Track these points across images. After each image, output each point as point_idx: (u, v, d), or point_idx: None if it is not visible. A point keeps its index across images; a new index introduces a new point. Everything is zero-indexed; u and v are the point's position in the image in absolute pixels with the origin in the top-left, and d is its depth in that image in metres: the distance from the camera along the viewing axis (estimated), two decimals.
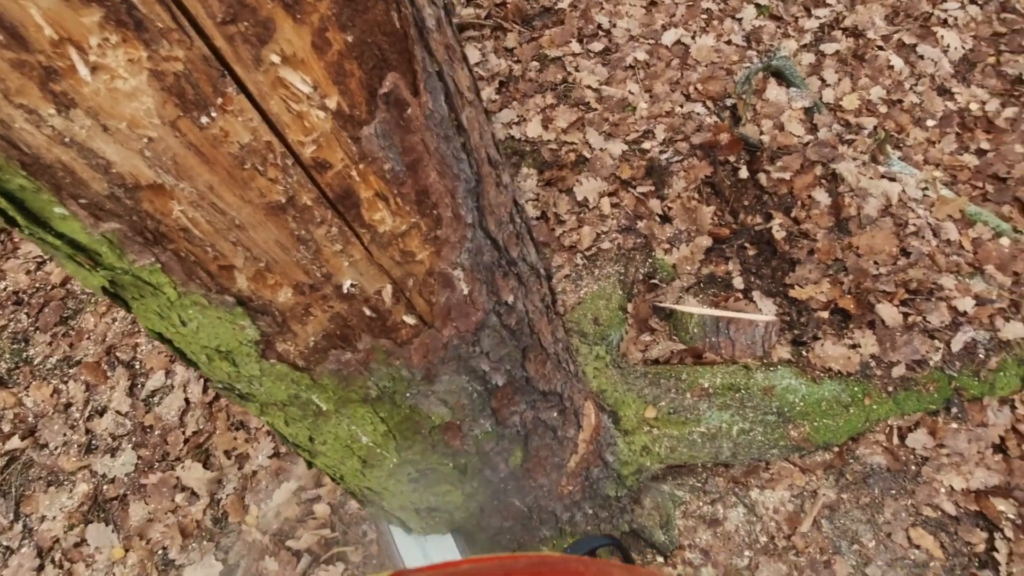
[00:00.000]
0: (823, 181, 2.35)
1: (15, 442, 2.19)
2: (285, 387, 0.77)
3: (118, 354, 2.32)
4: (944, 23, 2.93)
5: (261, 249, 0.61)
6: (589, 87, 2.79)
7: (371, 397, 0.83)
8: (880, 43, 2.88)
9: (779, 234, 2.28)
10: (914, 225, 2.21)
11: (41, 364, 2.36)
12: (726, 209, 2.43)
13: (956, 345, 2.01)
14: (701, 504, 1.98)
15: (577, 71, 2.85)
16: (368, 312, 0.73)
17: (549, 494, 1.41)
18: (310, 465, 1.03)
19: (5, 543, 2.04)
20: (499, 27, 3.07)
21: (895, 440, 2.02)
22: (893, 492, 1.96)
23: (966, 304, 2.05)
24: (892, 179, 2.33)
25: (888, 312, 2.06)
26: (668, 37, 2.91)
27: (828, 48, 2.88)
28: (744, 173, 2.44)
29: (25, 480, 2.14)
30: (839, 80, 2.79)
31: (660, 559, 1.90)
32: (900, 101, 2.73)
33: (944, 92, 2.76)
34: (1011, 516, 1.87)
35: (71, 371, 2.31)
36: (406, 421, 0.89)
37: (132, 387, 2.25)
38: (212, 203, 0.55)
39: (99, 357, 2.32)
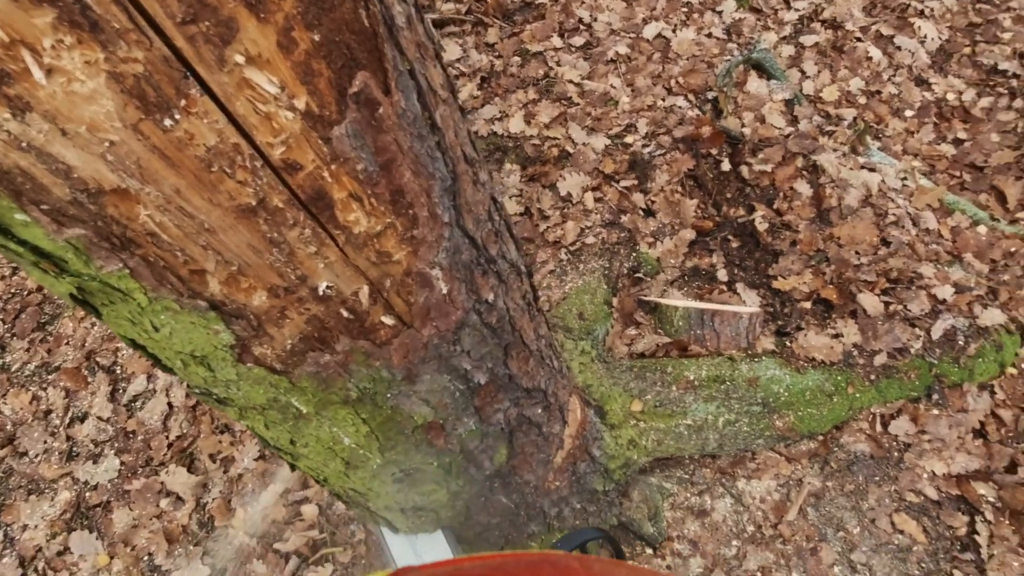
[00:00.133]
0: (804, 173, 2.37)
1: None
2: (263, 391, 0.76)
3: (98, 359, 2.29)
4: (921, 14, 2.96)
5: (233, 252, 0.60)
6: (571, 82, 2.78)
7: (352, 399, 0.82)
8: (858, 34, 2.91)
9: (762, 226, 2.30)
10: (894, 215, 2.24)
11: (19, 371, 2.32)
12: (709, 202, 2.44)
13: (936, 333, 2.04)
14: (689, 495, 2.00)
15: (559, 66, 2.84)
16: (345, 314, 0.72)
17: (536, 490, 1.41)
18: (293, 468, 1.02)
19: None
20: (480, 22, 3.06)
21: (878, 427, 2.04)
22: (877, 479, 1.99)
23: (945, 292, 2.08)
24: (872, 170, 2.35)
25: (869, 301, 2.08)
26: (649, 31, 2.91)
27: (808, 40, 2.90)
28: (726, 166, 2.46)
29: (5, 489, 2.10)
30: (819, 72, 2.81)
31: (649, 551, 1.91)
32: (879, 92, 2.76)
33: (922, 82, 2.79)
34: (991, 499, 1.90)
35: (50, 377, 2.27)
36: (388, 422, 0.89)
37: (113, 392, 2.22)
38: (180, 207, 0.54)
39: (79, 362, 2.28)
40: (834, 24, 2.96)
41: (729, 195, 2.43)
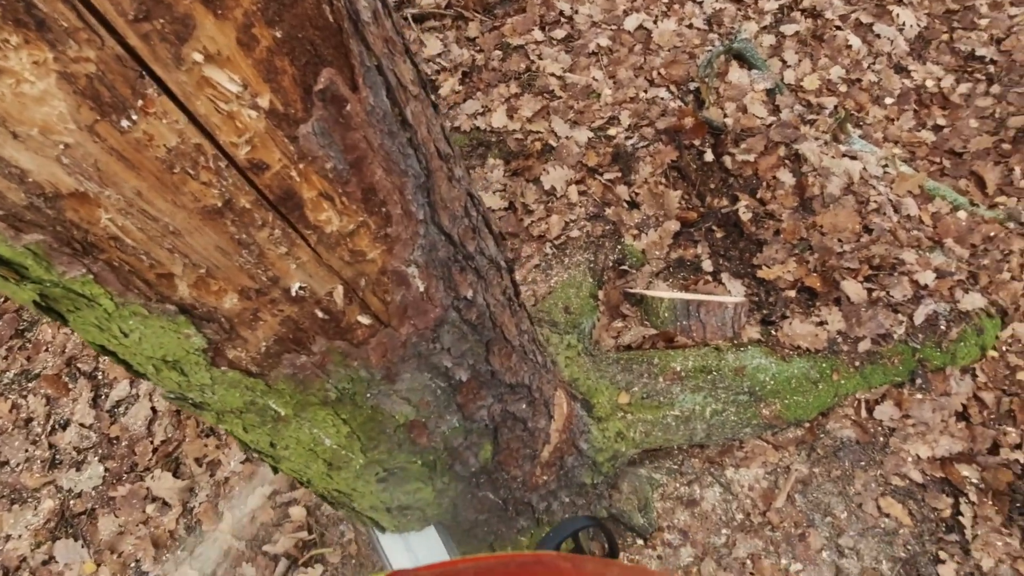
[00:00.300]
0: (787, 162, 2.38)
1: None
2: (239, 394, 0.75)
3: (79, 365, 2.26)
4: (899, 2, 2.97)
5: (200, 255, 0.59)
6: (553, 75, 2.77)
7: (331, 399, 0.81)
8: (838, 23, 2.92)
9: (745, 216, 2.30)
10: (875, 202, 2.25)
11: None
12: (693, 193, 2.44)
13: (919, 318, 2.06)
14: (678, 486, 2.01)
15: (540, 59, 2.83)
16: (321, 314, 0.71)
17: (524, 485, 1.41)
18: (275, 470, 1.01)
19: None
20: (460, 16, 3.03)
21: (863, 413, 2.06)
22: (863, 464, 2.01)
23: (927, 277, 2.10)
24: (853, 157, 2.37)
25: (853, 288, 2.10)
26: (630, 22, 2.91)
27: (788, 29, 2.90)
28: (709, 156, 2.46)
29: None
30: (799, 61, 2.81)
31: (640, 542, 1.92)
32: (859, 80, 2.77)
33: (901, 70, 2.81)
34: (975, 481, 1.93)
35: (30, 385, 2.24)
36: (369, 421, 0.88)
37: (95, 398, 2.19)
38: (142, 210, 0.53)
39: (59, 369, 2.25)
40: (814, 13, 2.96)
41: (712, 185, 2.44)
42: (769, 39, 2.89)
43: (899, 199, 2.29)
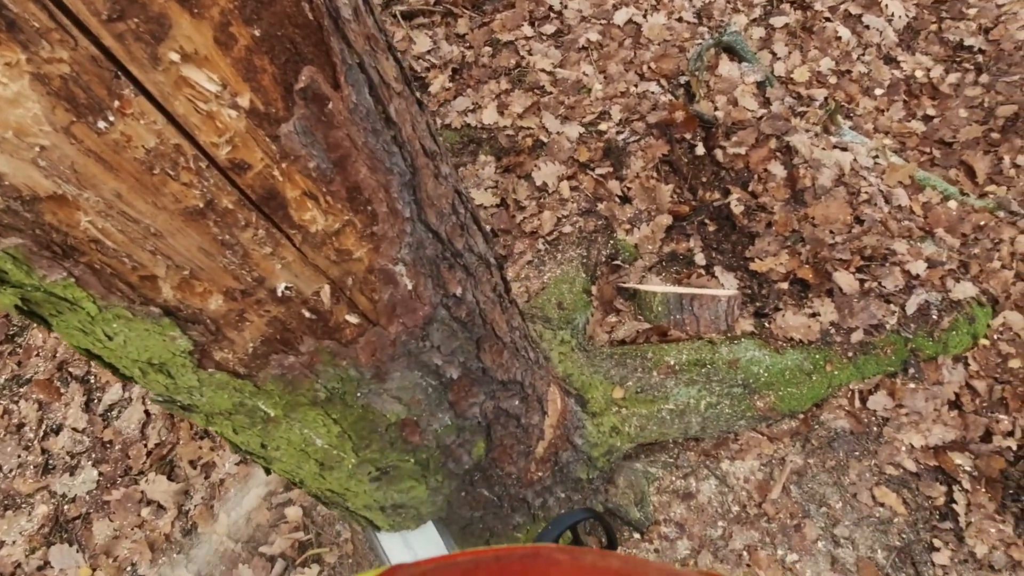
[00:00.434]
0: (778, 154, 2.38)
1: None
2: (228, 396, 0.75)
3: (71, 369, 2.24)
4: None
5: (183, 257, 0.58)
6: (543, 70, 2.76)
7: (321, 399, 0.81)
8: (827, 14, 2.92)
9: (737, 208, 2.31)
10: (866, 193, 2.26)
11: None
12: (685, 186, 2.44)
13: (910, 308, 2.07)
14: (674, 479, 2.01)
15: (530, 55, 2.82)
16: (308, 314, 0.70)
17: (519, 482, 1.41)
18: (268, 472, 1.01)
19: None
20: (449, 12, 3.02)
21: (857, 403, 2.07)
22: (857, 454, 2.02)
23: (918, 267, 2.10)
24: (844, 149, 2.37)
25: (845, 279, 2.11)
26: (620, 16, 2.90)
27: (777, 21, 2.90)
28: (701, 150, 2.46)
29: None
30: (789, 53, 2.81)
31: (637, 536, 1.92)
32: (849, 71, 2.77)
33: (890, 61, 2.82)
34: (968, 468, 1.94)
35: (21, 390, 2.23)
36: (360, 421, 0.88)
37: (88, 402, 2.18)
38: (122, 212, 0.52)
39: (51, 374, 2.24)
40: (803, 5, 2.96)
41: (704, 179, 2.44)
42: (759, 31, 2.89)
43: (890, 190, 2.29)
